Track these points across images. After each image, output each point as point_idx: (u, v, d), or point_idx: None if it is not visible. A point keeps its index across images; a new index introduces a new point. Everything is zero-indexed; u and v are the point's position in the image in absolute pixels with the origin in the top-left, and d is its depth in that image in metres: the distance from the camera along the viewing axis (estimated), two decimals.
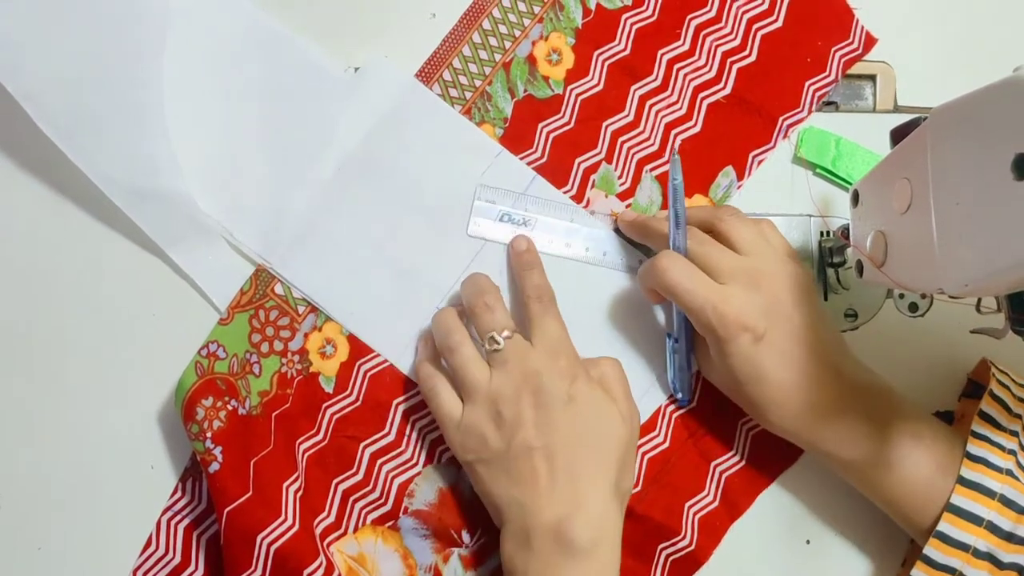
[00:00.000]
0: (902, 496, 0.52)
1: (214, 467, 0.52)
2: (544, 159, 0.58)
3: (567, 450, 0.49)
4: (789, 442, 0.55)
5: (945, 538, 0.49)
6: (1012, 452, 0.50)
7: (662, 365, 0.57)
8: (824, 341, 0.52)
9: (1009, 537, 0.49)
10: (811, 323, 0.51)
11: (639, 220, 0.57)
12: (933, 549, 0.50)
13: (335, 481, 0.55)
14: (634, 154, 0.59)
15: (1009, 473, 0.50)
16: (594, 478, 0.50)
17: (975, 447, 0.51)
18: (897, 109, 0.61)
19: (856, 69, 0.61)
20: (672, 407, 0.58)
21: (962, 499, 0.49)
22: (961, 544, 0.49)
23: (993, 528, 0.49)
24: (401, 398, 0.56)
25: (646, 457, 0.57)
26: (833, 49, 0.61)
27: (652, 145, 0.59)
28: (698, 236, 0.53)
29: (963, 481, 0.50)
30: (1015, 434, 0.51)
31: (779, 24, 0.60)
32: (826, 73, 0.60)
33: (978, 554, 0.49)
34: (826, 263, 0.59)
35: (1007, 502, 0.49)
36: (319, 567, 0.52)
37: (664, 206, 0.59)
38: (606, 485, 0.50)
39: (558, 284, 0.55)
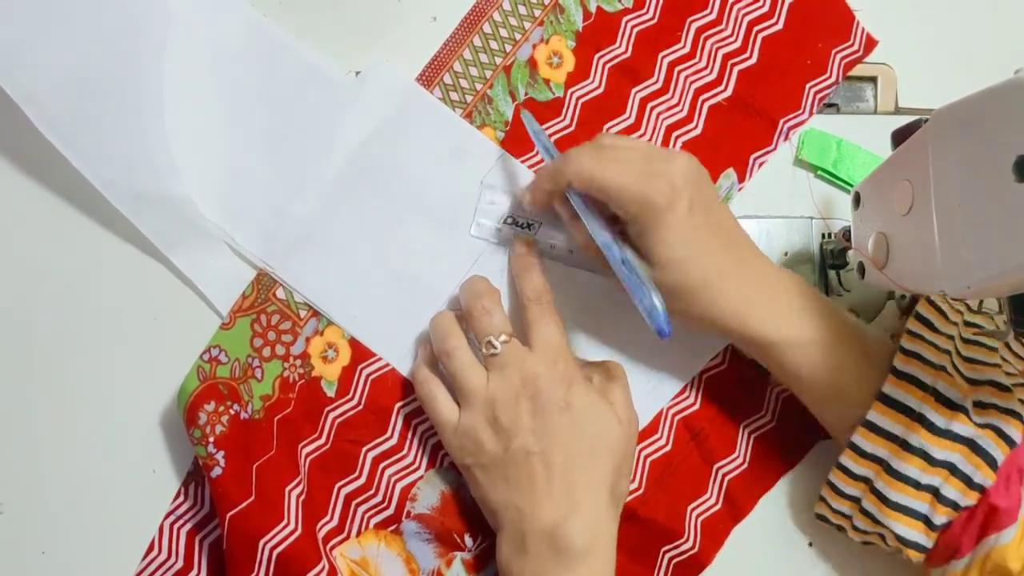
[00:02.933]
0: (833, 382, 0.51)
1: (216, 471, 0.52)
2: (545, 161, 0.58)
3: (564, 455, 0.49)
4: (791, 444, 0.55)
5: (872, 427, 0.49)
6: (947, 352, 0.50)
7: (663, 368, 0.57)
8: (734, 222, 0.52)
9: (943, 433, 0.48)
10: (719, 201, 0.52)
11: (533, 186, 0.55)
12: (860, 437, 0.49)
13: (337, 485, 0.55)
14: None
15: (943, 369, 0.49)
16: (591, 483, 0.50)
17: (909, 343, 0.50)
18: (898, 111, 0.61)
19: (857, 71, 0.61)
20: (674, 409, 0.58)
21: (893, 389, 0.49)
22: (889, 434, 0.49)
23: (925, 423, 0.48)
24: (403, 402, 0.56)
25: (648, 459, 0.57)
26: (834, 51, 0.61)
27: None
28: (595, 140, 0.52)
29: (895, 372, 0.49)
30: (951, 338, 0.51)
31: (780, 26, 0.60)
32: (827, 75, 0.60)
33: (908, 447, 0.48)
34: (828, 265, 0.59)
35: (939, 397, 0.49)
36: (322, 571, 0.52)
37: None
38: (603, 490, 0.50)
39: (561, 288, 0.55)
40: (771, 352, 0.51)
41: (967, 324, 0.51)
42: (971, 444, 0.47)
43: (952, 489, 0.47)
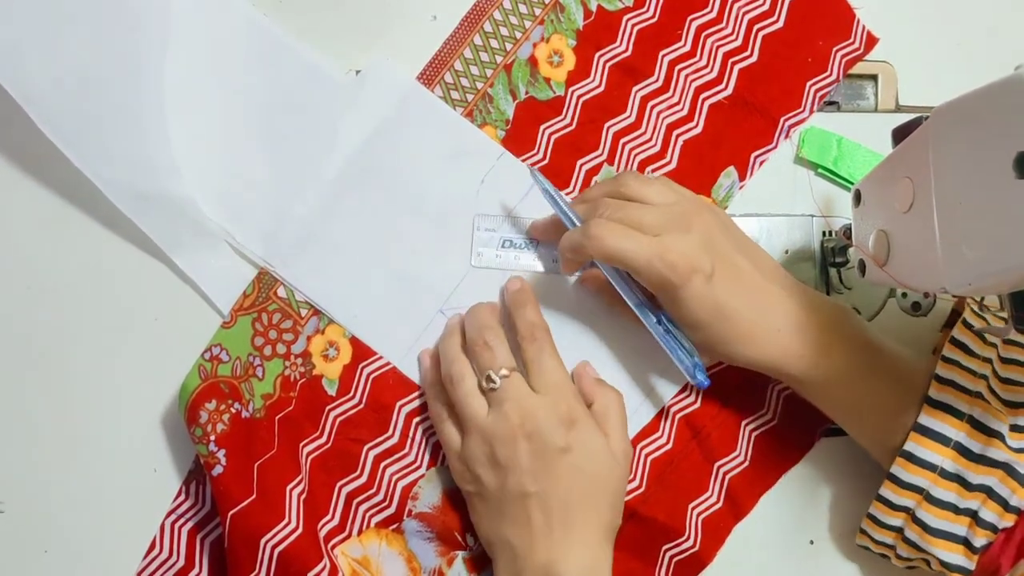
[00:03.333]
0: (869, 412, 0.52)
1: (218, 470, 0.52)
2: (546, 161, 0.58)
3: (562, 497, 0.50)
4: (792, 443, 0.55)
5: (911, 457, 0.49)
6: (983, 377, 0.50)
7: (660, 371, 0.57)
8: (765, 265, 0.52)
9: (979, 459, 0.49)
10: (747, 250, 0.52)
11: (545, 221, 0.56)
12: (900, 468, 0.50)
13: (339, 484, 0.55)
14: (636, 155, 0.59)
15: (979, 396, 0.49)
16: (587, 522, 0.50)
17: (944, 370, 0.50)
18: (899, 109, 0.61)
19: (857, 69, 0.61)
20: (676, 407, 0.58)
21: (929, 419, 0.49)
22: (927, 464, 0.49)
23: (962, 449, 0.49)
24: (404, 400, 0.56)
25: (649, 458, 0.57)
26: (834, 49, 0.61)
27: (654, 146, 0.59)
28: (612, 203, 0.52)
29: (931, 401, 0.50)
30: (988, 360, 0.51)
31: (780, 24, 0.60)
32: (827, 73, 0.60)
33: (945, 475, 0.49)
34: (828, 263, 0.59)
35: (976, 424, 0.49)
36: (323, 570, 0.52)
37: None
38: (598, 527, 0.51)
39: (561, 290, 0.55)
40: (807, 388, 0.53)
41: (1007, 343, 0.52)
42: (1007, 468, 0.48)
43: (990, 512, 0.48)
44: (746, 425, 0.58)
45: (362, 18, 0.59)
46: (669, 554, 0.57)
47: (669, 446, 0.58)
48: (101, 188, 0.54)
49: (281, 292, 0.56)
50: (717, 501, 0.57)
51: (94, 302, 0.56)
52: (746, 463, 0.58)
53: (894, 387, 0.51)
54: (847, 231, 0.53)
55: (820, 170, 0.60)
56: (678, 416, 0.58)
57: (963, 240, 0.39)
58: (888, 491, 0.50)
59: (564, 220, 0.53)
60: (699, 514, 0.57)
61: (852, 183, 0.59)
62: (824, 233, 0.59)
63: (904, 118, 0.47)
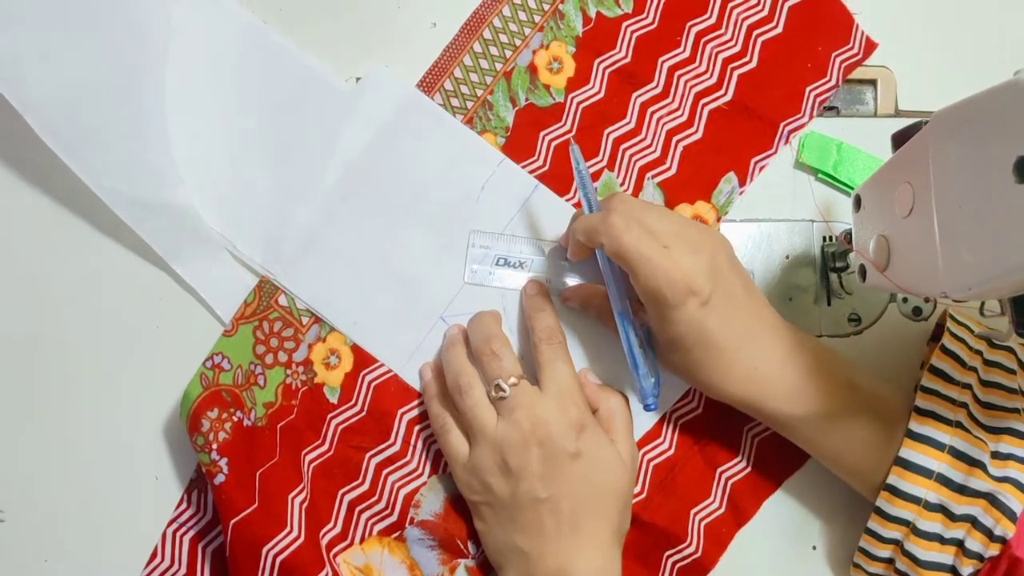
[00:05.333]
0: (849, 452, 0.51)
1: (219, 479, 0.52)
2: (546, 167, 0.58)
3: (572, 502, 0.50)
4: (795, 448, 0.55)
5: (895, 491, 0.49)
6: (963, 405, 0.50)
7: (661, 378, 0.57)
8: (758, 303, 0.52)
9: (961, 489, 0.49)
10: (746, 284, 0.52)
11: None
12: (884, 502, 0.50)
13: (341, 492, 0.55)
14: (636, 161, 0.59)
15: (959, 425, 0.49)
16: (597, 527, 0.50)
17: (923, 402, 0.50)
18: (898, 113, 0.61)
19: (857, 74, 0.61)
20: (677, 413, 0.58)
21: (911, 452, 0.49)
22: (912, 497, 0.49)
23: (944, 480, 0.49)
24: (406, 408, 0.56)
25: (651, 464, 0.57)
26: (833, 54, 0.61)
27: (654, 152, 0.59)
28: (632, 201, 0.51)
29: (911, 435, 0.49)
30: (967, 387, 0.51)
31: (779, 30, 0.61)
32: (827, 78, 0.60)
33: (929, 506, 0.49)
34: (829, 268, 0.59)
35: (957, 454, 0.49)
36: None
37: None
38: (608, 532, 0.51)
39: (560, 313, 0.56)
40: (783, 427, 0.53)
41: (987, 364, 0.52)
42: (990, 498, 0.48)
43: (975, 541, 0.48)
44: (748, 431, 0.58)
45: (362, 26, 0.59)
46: (671, 560, 0.56)
47: (671, 452, 0.58)
48: (102, 197, 0.54)
49: (282, 300, 0.56)
50: (719, 507, 0.57)
51: (95, 311, 0.56)
52: (748, 468, 0.58)
53: (872, 426, 0.51)
54: (847, 236, 0.53)
55: (820, 175, 0.60)
56: (680, 422, 0.58)
57: (963, 245, 0.39)
58: (876, 524, 0.51)
59: (584, 203, 0.53)
60: (701, 520, 0.57)
61: (852, 188, 0.59)
62: (824, 238, 0.59)
63: (904, 123, 0.47)
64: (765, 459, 0.58)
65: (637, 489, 0.57)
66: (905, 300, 0.59)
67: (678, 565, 0.57)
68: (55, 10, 0.52)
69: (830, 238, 0.59)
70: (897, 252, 0.45)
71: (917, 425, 0.50)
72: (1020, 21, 0.63)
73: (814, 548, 0.58)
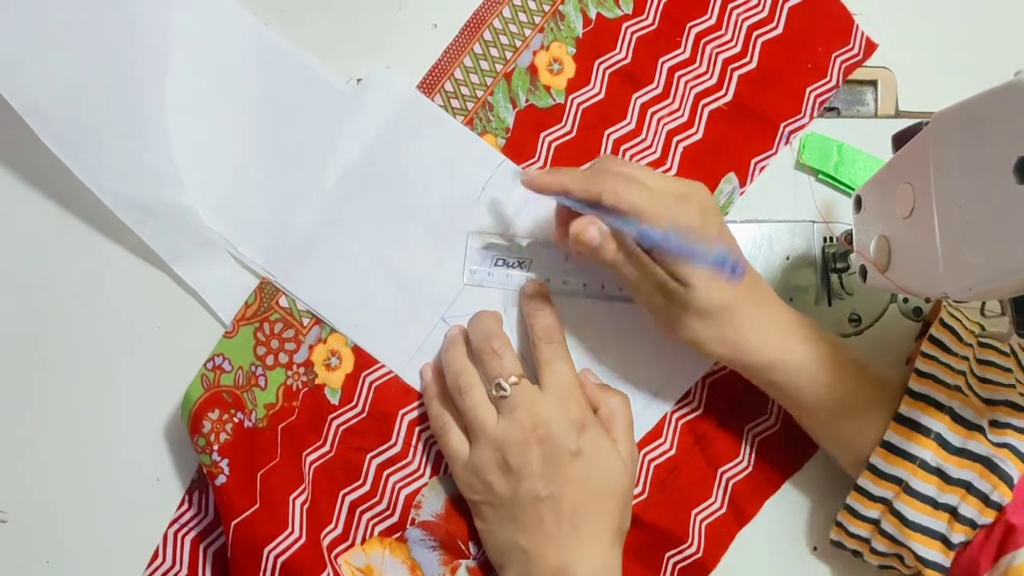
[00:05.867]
0: (841, 410, 0.51)
1: (221, 480, 0.52)
2: (546, 168, 0.58)
3: (573, 500, 0.50)
4: (796, 448, 0.55)
5: (891, 448, 0.49)
6: (962, 373, 0.50)
7: (666, 373, 0.57)
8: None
9: (959, 452, 0.48)
10: (730, 234, 0.52)
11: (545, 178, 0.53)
12: (879, 459, 0.50)
13: (342, 493, 0.55)
14: (636, 162, 0.59)
15: (958, 389, 0.49)
16: (597, 525, 0.50)
17: (924, 365, 0.50)
18: (898, 114, 0.61)
19: (857, 75, 0.61)
20: (678, 413, 0.58)
21: (911, 410, 0.49)
22: (908, 455, 0.49)
23: (942, 442, 0.49)
24: (406, 409, 0.56)
25: (652, 464, 0.57)
26: (834, 55, 0.61)
27: (654, 153, 0.59)
28: (616, 168, 0.51)
29: (911, 393, 0.49)
30: (965, 359, 0.51)
31: (779, 31, 0.61)
32: (827, 79, 0.61)
33: (926, 467, 0.49)
34: (830, 269, 0.59)
35: (956, 417, 0.49)
36: None
37: None
38: (608, 531, 0.51)
39: (561, 313, 0.56)
40: (776, 381, 0.52)
41: (981, 345, 0.52)
42: (987, 463, 0.48)
43: (969, 507, 0.48)
44: (749, 431, 0.58)
45: (363, 27, 0.59)
46: (672, 560, 0.56)
47: (672, 452, 0.58)
48: (103, 199, 0.54)
49: (283, 301, 0.56)
50: (720, 507, 0.57)
51: (96, 312, 0.56)
52: (749, 469, 0.58)
53: (867, 385, 0.51)
54: (848, 237, 0.53)
55: (821, 176, 0.60)
56: (680, 422, 0.58)
57: (964, 245, 0.39)
58: (867, 481, 0.50)
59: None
60: (702, 520, 0.57)
61: (853, 189, 0.59)
62: (825, 239, 0.60)
63: (904, 123, 0.47)
64: (766, 459, 0.58)
65: (638, 489, 0.57)
66: (906, 300, 0.59)
67: (679, 565, 0.57)
68: (56, 13, 0.52)
69: (831, 239, 0.59)
70: (898, 253, 0.45)
71: (917, 385, 0.50)
72: (1020, 22, 0.63)
73: (815, 549, 0.58)
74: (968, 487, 0.48)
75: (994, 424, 0.49)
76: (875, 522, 0.51)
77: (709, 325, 0.51)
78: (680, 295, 0.50)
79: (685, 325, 0.51)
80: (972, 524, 0.48)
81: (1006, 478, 0.47)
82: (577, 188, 0.50)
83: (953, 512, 0.48)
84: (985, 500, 0.47)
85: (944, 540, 0.48)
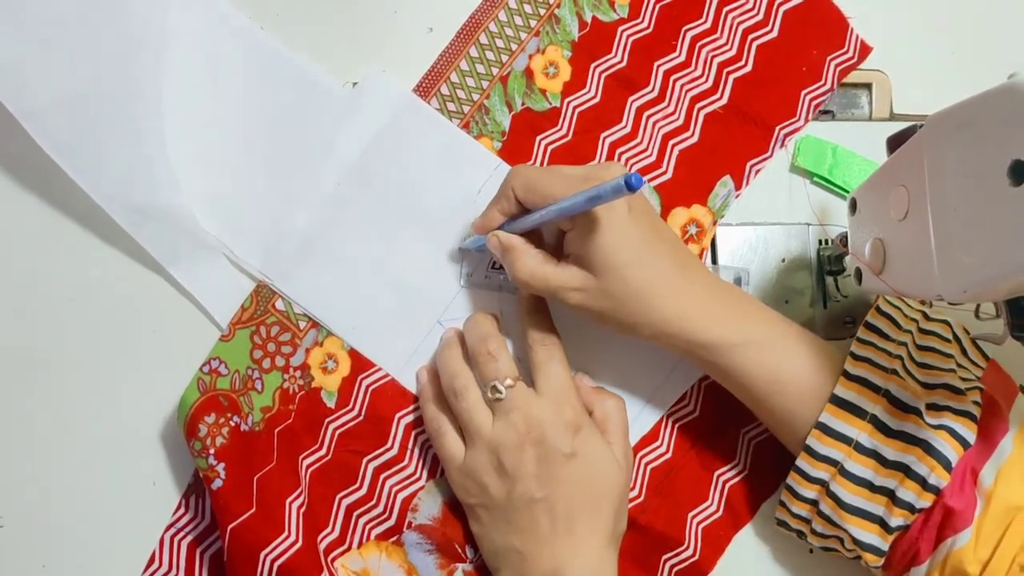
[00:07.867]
0: (787, 385, 0.50)
1: (217, 484, 0.52)
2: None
3: (568, 502, 0.50)
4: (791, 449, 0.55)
5: (826, 429, 0.49)
6: (899, 357, 0.50)
7: (662, 376, 0.57)
8: (672, 231, 0.54)
9: (895, 435, 0.48)
10: (655, 211, 0.53)
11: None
12: (814, 440, 0.50)
13: (338, 496, 0.55)
14: (632, 165, 0.59)
15: (895, 373, 0.49)
16: (592, 528, 0.50)
17: (859, 349, 0.50)
18: (893, 117, 0.62)
19: (852, 78, 0.61)
20: (674, 416, 0.58)
21: (845, 391, 0.49)
22: (842, 436, 0.49)
23: (878, 424, 0.49)
24: (403, 412, 0.56)
25: (648, 467, 0.57)
26: (828, 58, 0.61)
27: (650, 156, 0.59)
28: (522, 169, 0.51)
29: (847, 375, 0.50)
30: (903, 344, 0.51)
31: (774, 34, 0.61)
32: (822, 82, 0.61)
33: (861, 448, 0.49)
34: (825, 271, 0.59)
35: (892, 399, 0.49)
36: None
37: (664, 215, 0.59)
38: (603, 533, 0.51)
39: (557, 315, 0.56)
40: (717, 356, 0.51)
41: (922, 332, 0.52)
42: (925, 445, 0.47)
43: (907, 491, 0.47)
44: (744, 433, 0.58)
45: (358, 31, 0.59)
46: (669, 563, 0.57)
47: (668, 455, 0.58)
48: (99, 202, 0.54)
49: (279, 305, 0.56)
50: (717, 510, 0.57)
51: (92, 316, 0.56)
52: (745, 471, 0.58)
53: (812, 358, 0.50)
54: (843, 239, 0.53)
55: (816, 179, 0.60)
56: (676, 425, 0.58)
57: (959, 247, 0.39)
58: (804, 462, 0.50)
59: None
60: (699, 523, 0.57)
61: (848, 191, 0.59)
62: (820, 241, 0.60)
63: (899, 126, 0.47)
64: (762, 462, 0.58)
65: (634, 492, 0.57)
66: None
67: (676, 568, 0.57)
68: (53, 17, 0.52)
69: (826, 241, 0.59)
70: (893, 255, 0.46)
71: (852, 367, 0.50)
72: (1015, 24, 0.63)
73: (811, 551, 0.58)
74: (906, 470, 0.48)
75: (932, 407, 0.48)
76: (814, 503, 0.51)
77: (625, 312, 0.50)
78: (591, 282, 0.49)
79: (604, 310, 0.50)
80: (911, 508, 0.47)
81: (944, 461, 0.47)
82: (499, 207, 0.52)
83: (891, 496, 0.48)
84: (923, 484, 0.47)
85: (882, 523, 0.48)
